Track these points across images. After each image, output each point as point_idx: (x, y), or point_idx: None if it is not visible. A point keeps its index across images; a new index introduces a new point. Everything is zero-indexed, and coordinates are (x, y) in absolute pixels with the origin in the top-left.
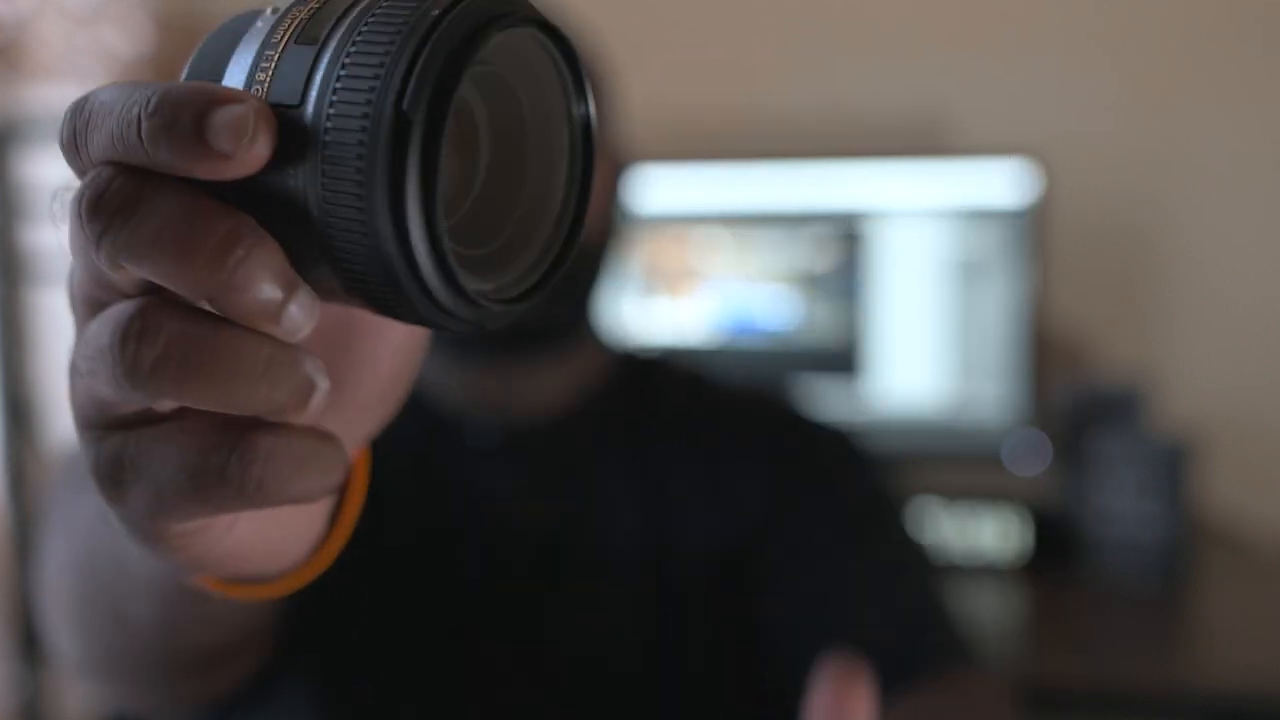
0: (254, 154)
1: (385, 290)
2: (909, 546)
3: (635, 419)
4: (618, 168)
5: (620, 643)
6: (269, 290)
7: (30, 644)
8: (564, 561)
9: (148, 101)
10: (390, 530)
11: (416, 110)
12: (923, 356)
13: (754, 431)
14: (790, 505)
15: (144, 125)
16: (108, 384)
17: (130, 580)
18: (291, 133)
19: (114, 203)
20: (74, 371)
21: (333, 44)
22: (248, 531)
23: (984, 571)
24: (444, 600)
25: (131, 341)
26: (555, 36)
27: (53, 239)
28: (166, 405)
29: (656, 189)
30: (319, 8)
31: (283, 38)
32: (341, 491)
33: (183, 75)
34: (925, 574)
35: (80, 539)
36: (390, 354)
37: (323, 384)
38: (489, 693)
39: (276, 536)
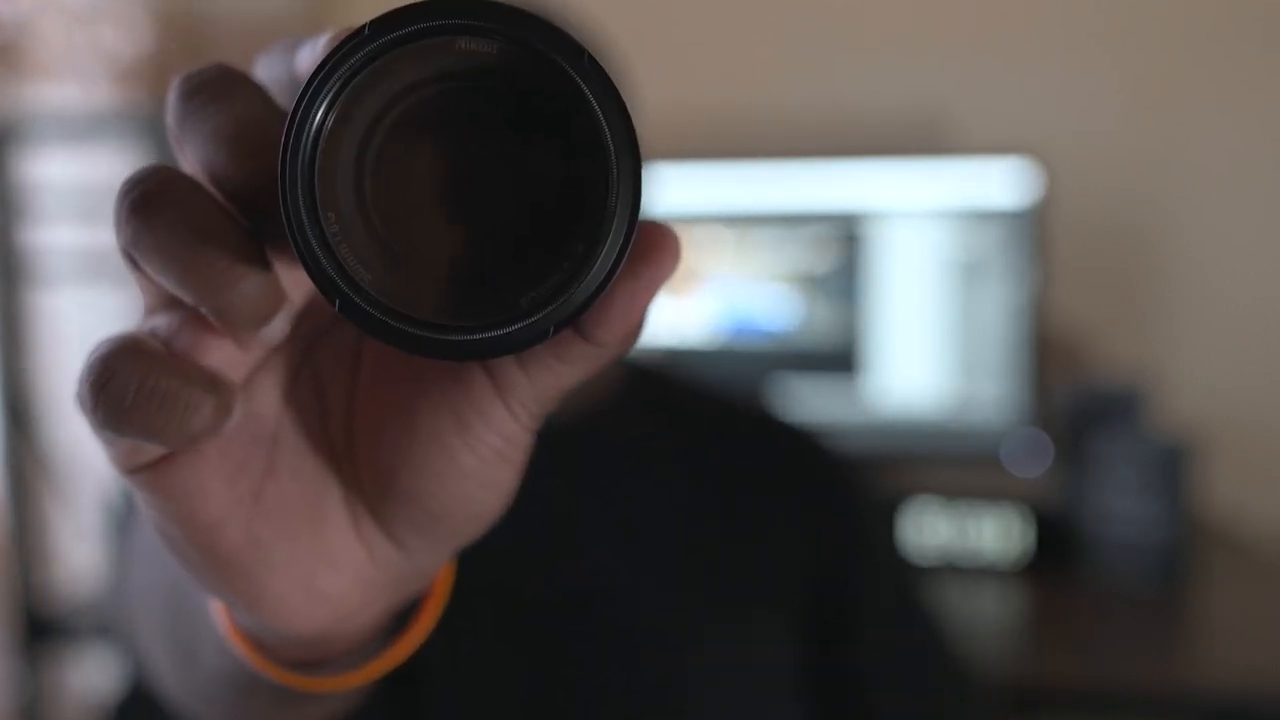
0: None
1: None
2: (939, 631)
3: (649, 438)
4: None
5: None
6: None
7: (30, 643)
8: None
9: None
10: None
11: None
12: (923, 357)
13: (782, 469)
14: (842, 584)
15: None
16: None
17: (200, 623)
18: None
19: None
20: None
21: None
22: (284, 556)
23: (984, 572)
24: (520, 629)
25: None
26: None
27: (53, 239)
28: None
29: (656, 188)
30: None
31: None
32: (421, 595)
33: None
34: (953, 657)
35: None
36: (464, 461)
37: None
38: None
39: (325, 582)
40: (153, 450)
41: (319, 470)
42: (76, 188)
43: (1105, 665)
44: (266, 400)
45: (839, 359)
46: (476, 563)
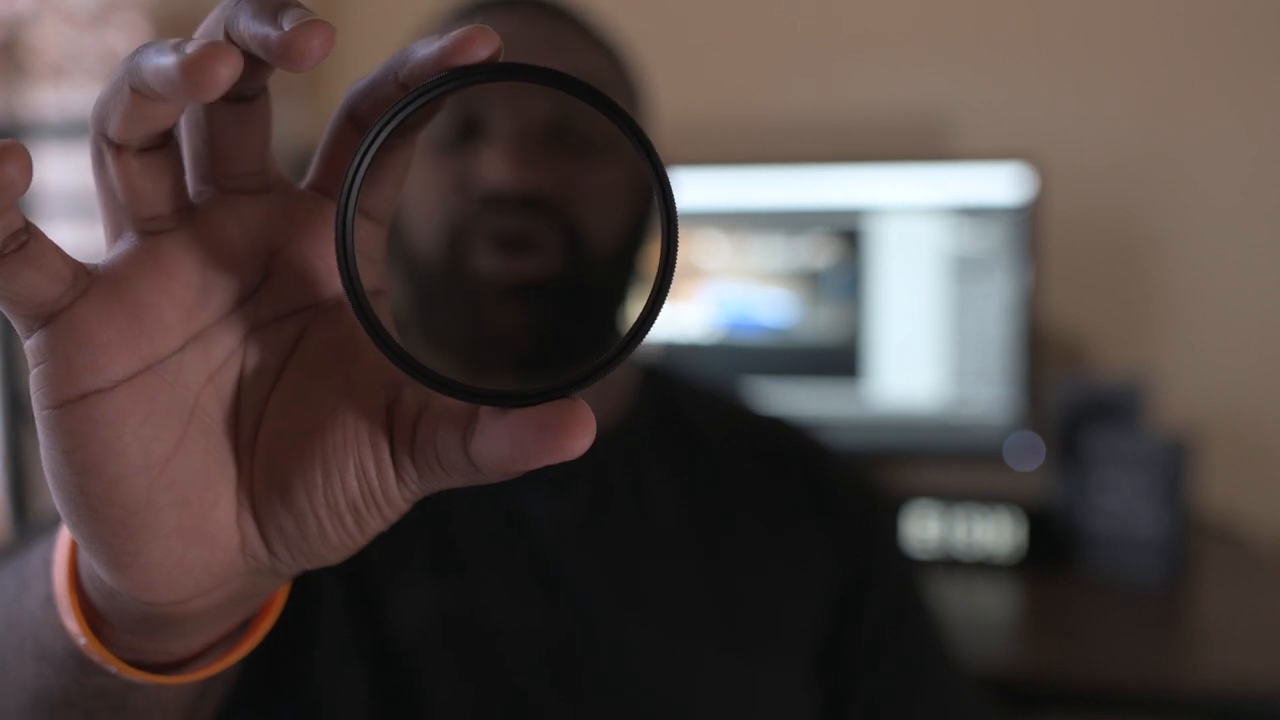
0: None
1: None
2: (944, 638)
3: (668, 446)
4: (644, 177)
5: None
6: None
7: None
8: (635, 600)
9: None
10: (471, 568)
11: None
12: (921, 355)
13: (801, 480)
14: (863, 595)
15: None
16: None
17: (23, 625)
18: None
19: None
20: None
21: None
22: (162, 528)
23: (981, 569)
24: (524, 652)
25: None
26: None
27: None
28: None
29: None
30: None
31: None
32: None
33: None
34: (953, 657)
35: None
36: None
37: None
38: None
39: (196, 557)
40: (86, 381)
41: (223, 455)
42: (76, 188)
43: (1101, 662)
44: (193, 374)
45: (838, 358)
46: (458, 599)
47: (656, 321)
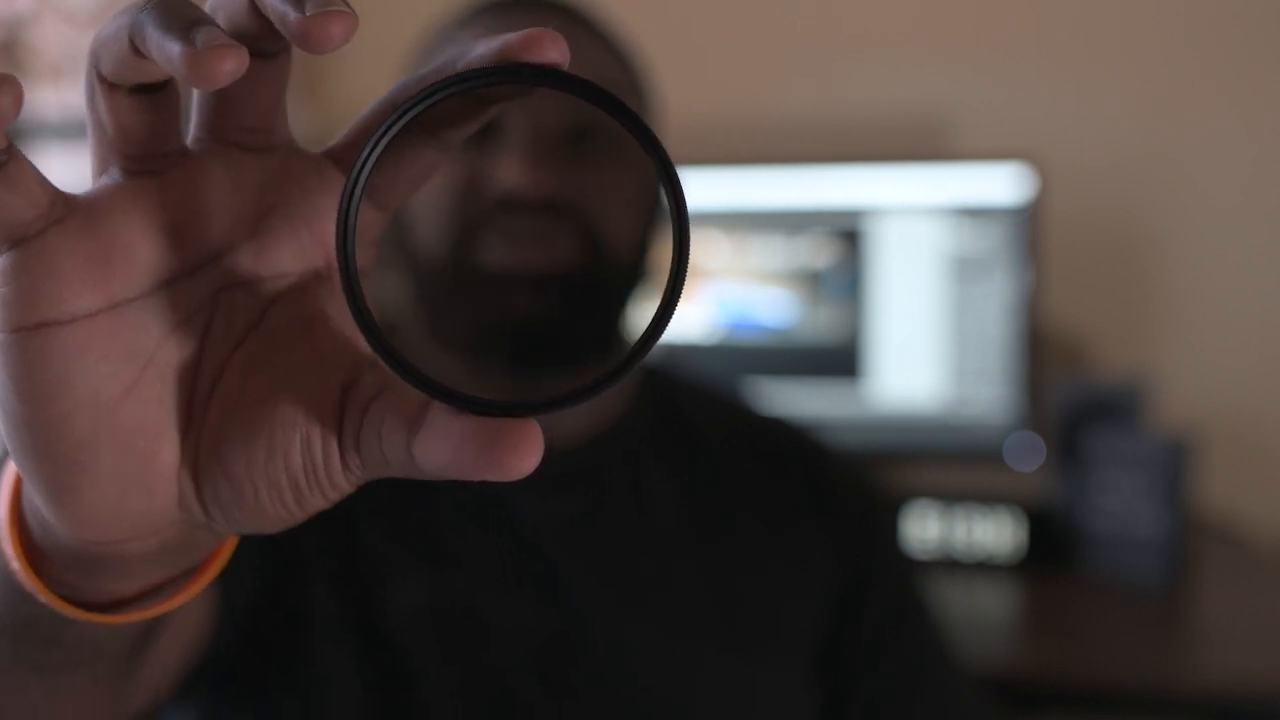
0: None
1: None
2: (944, 638)
3: (668, 446)
4: (654, 181)
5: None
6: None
7: None
8: (636, 600)
9: None
10: (466, 572)
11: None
12: (921, 355)
13: (801, 480)
14: (863, 595)
15: None
16: None
17: None
18: None
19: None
20: None
21: None
22: (103, 455)
23: (981, 569)
24: (518, 652)
25: None
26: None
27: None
28: None
29: None
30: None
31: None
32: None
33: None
34: (957, 667)
35: None
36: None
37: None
38: None
39: (133, 503)
40: (44, 311)
41: (173, 408)
42: (76, 188)
43: (1101, 662)
44: (157, 321)
45: (838, 358)
46: (451, 594)
47: (656, 345)
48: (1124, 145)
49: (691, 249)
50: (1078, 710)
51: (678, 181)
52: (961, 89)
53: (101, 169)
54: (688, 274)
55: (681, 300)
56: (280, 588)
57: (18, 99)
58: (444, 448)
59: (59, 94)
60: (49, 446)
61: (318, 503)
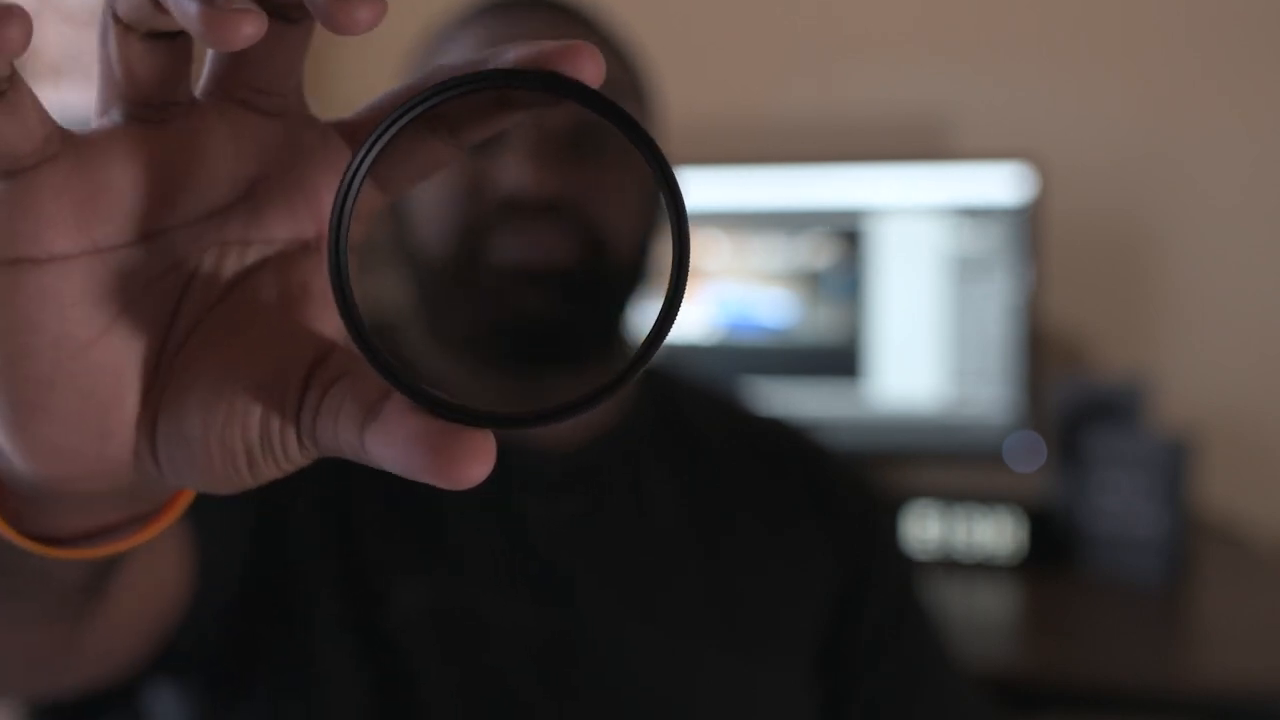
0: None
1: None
2: (943, 638)
3: (668, 446)
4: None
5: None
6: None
7: None
8: (638, 601)
9: None
10: (470, 571)
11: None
12: (921, 355)
13: (801, 480)
14: (863, 595)
15: None
16: None
17: None
18: None
19: None
20: None
21: None
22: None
23: (981, 569)
24: (517, 652)
25: None
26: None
27: None
28: None
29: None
30: None
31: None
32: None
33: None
34: (951, 657)
35: None
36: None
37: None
38: None
39: (87, 446)
40: (21, 247)
41: (140, 359)
42: None
43: (1101, 662)
44: (138, 272)
45: (838, 358)
46: (452, 594)
47: (650, 359)
48: (1124, 145)
49: (691, 260)
50: (1078, 710)
51: (679, 195)
52: (962, 89)
53: (104, 109)
54: (687, 285)
55: (680, 314)
56: (275, 578)
57: (26, 30)
58: (393, 444)
59: (59, 94)
60: (8, 380)
61: (271, 472)
